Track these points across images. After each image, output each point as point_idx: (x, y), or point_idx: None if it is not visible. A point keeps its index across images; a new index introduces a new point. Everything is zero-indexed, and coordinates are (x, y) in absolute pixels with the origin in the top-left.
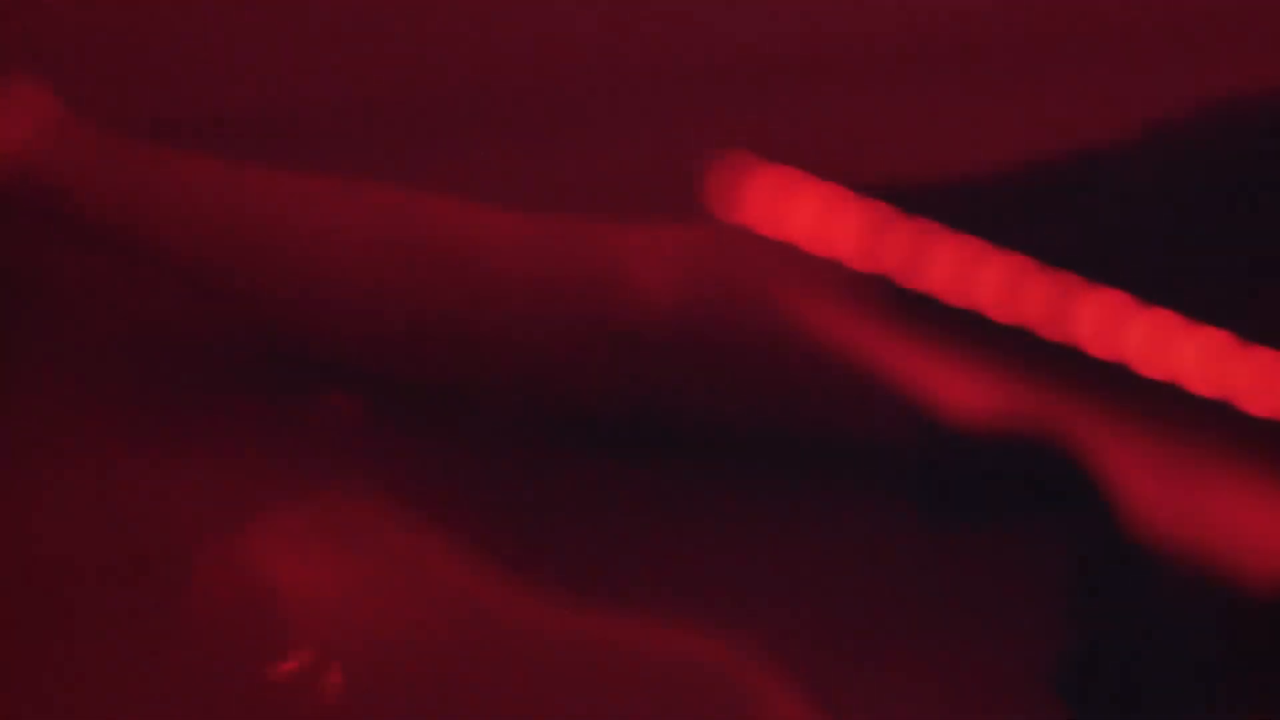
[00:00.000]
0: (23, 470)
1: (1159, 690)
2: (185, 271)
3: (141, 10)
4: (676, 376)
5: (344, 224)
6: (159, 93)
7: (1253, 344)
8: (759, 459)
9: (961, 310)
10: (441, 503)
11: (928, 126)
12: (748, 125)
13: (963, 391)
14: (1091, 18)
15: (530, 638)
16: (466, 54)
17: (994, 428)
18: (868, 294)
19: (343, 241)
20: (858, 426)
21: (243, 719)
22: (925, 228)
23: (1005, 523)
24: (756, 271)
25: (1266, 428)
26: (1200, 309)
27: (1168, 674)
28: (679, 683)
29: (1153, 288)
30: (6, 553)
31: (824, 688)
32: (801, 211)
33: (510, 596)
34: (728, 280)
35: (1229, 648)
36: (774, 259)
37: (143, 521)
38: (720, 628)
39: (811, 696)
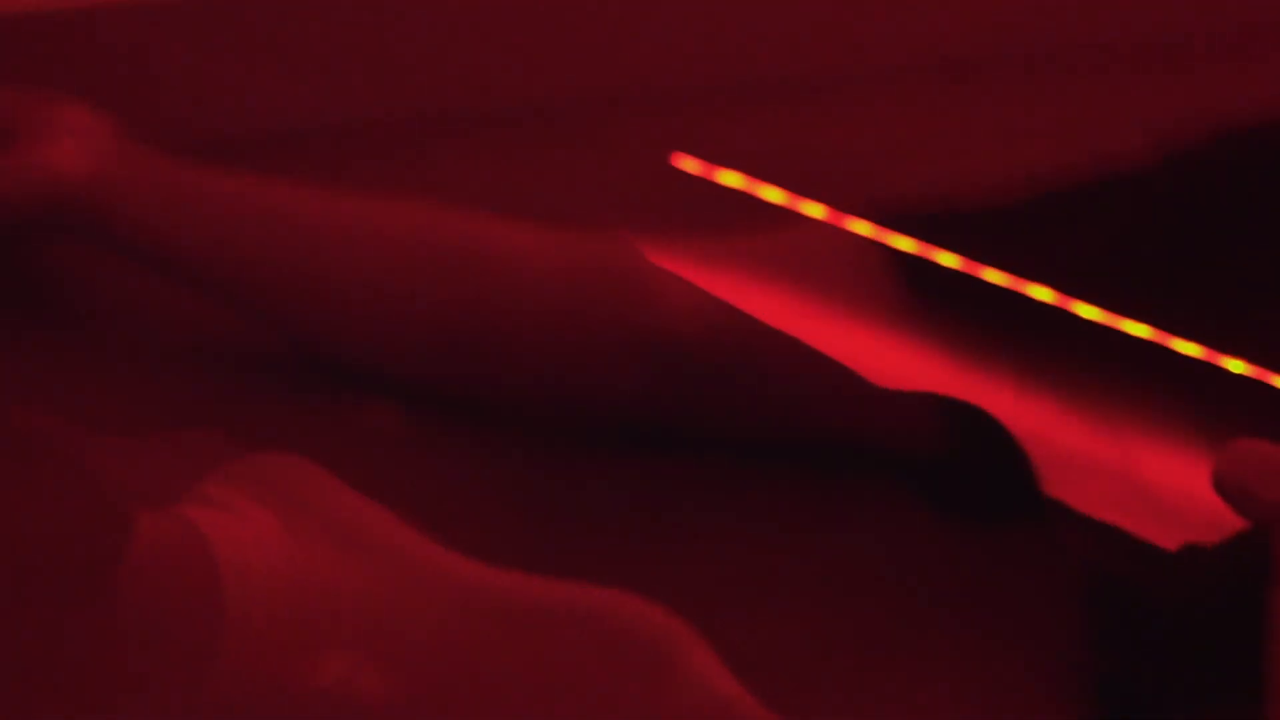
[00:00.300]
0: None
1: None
2: (223, 286)
3: (175, 34)
4: (698, 385)
5: (382, 237)
6: (194, 113)
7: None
8: (774, 461)
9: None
10: (454, 500)
11: (936, 145)
12: (760, 142)
13: (890, 360)
14: (1103, 35)
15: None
16: (485, 71)
17: (919, 395)
18: (874, 302)
19: (379, 254)
20: (873, 430)
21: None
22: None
23: (1019, 525)
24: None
25: (1191, 385)
26: (1211, 329)
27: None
28: (603, 645)
29: (1161, 308)
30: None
31: (837, 689)
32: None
33: (451, 565)
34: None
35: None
36: (786, 273)
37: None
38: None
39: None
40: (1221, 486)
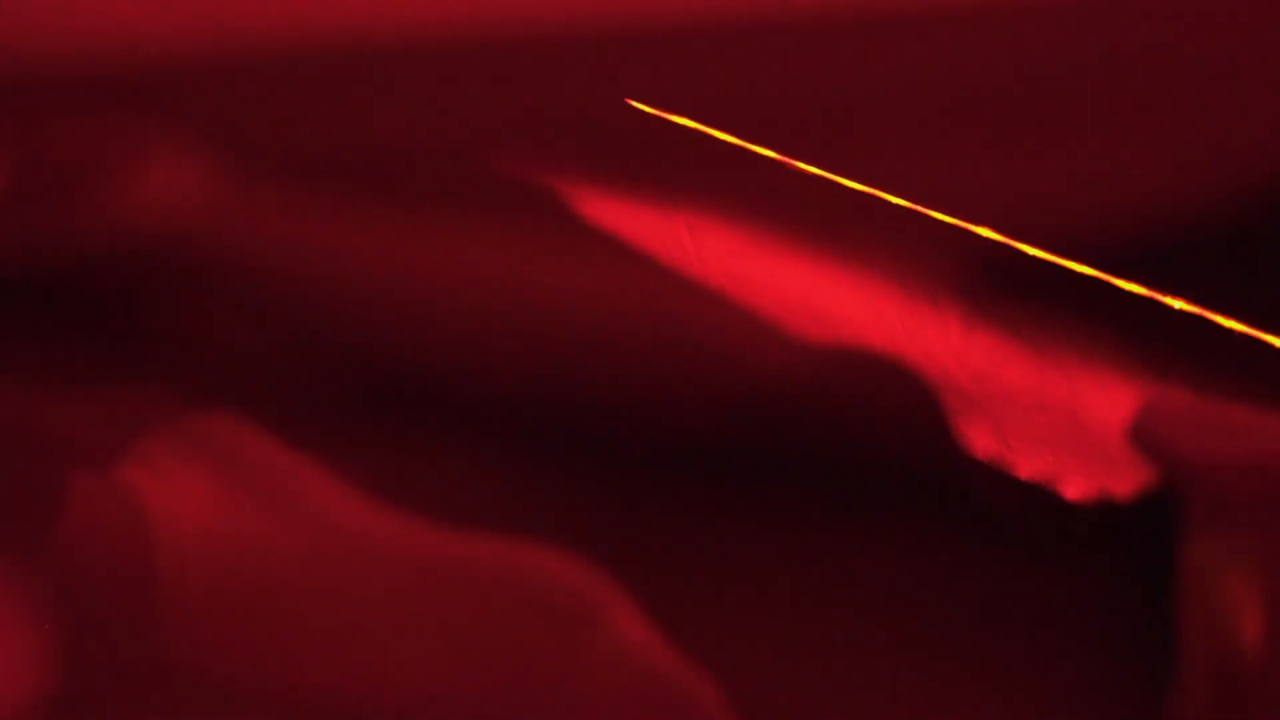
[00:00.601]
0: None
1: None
2: (306, 312)
3: (259, 68)
4: (779, 423)
5: (481, 268)
6: (280, 141)
7: None
8: (820, 486)
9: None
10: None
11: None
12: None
13: (816, 315)
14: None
15: (398, 562)
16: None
17: (841, 350)
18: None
19: (477, 284)
20: (931, 457)
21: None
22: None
23: (1058, 552)
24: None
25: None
26: None
27: None
28: (528, 599)
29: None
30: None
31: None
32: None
33: (380, 523)
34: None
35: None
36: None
37: None
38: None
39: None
40: (1137, 440)
